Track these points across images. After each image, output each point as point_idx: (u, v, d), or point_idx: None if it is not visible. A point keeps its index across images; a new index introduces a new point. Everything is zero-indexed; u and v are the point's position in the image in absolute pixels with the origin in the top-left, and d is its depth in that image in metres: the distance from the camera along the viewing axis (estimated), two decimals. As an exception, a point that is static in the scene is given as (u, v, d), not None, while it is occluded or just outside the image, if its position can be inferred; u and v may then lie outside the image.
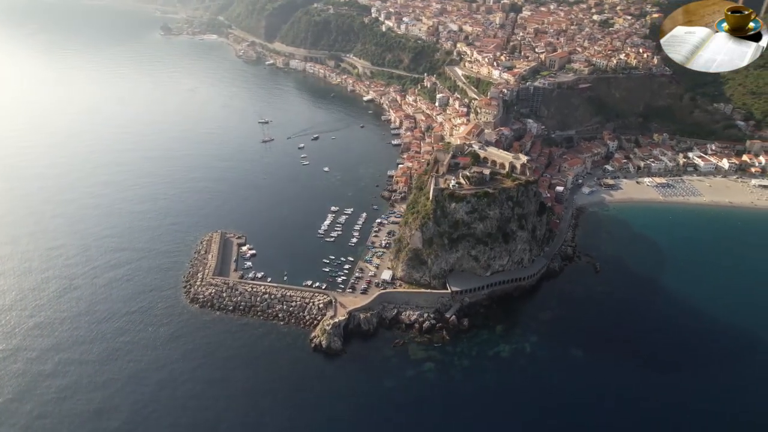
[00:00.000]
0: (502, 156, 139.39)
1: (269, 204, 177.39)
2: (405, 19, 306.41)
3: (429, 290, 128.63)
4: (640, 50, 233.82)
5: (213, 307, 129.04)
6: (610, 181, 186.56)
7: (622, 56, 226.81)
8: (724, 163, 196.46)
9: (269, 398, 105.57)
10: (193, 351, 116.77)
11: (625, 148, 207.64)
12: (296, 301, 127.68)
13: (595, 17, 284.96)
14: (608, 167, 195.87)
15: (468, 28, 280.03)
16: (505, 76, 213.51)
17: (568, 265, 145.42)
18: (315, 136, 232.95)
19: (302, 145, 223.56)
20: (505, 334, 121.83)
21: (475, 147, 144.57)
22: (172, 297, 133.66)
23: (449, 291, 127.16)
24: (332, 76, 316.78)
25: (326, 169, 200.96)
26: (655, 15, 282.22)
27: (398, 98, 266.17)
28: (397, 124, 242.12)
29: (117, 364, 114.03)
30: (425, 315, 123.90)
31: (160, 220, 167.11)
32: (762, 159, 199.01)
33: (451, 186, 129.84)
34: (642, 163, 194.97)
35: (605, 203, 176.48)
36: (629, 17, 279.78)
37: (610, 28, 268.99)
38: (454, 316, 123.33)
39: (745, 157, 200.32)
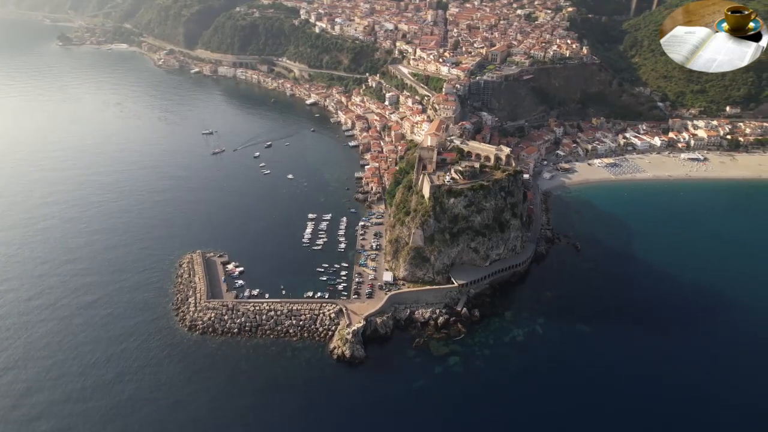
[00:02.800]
0: (485, 149, 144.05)
1: (242, 217, 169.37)
2: (338, 19, 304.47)
3: (436, 286, 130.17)
4: (569, 41, 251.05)
5: (216, 332, 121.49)
6: (566, 165, 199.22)
7: (555, 48, 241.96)
8: (656, 141, 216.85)
9: (306, 417, 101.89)
10: (207, 379, 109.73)
11: (570, 134, 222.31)
12: (305, 314, 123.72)
13: (519, 12, 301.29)
14: (560, 152, 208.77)
15: (404, 27, 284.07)
16: (455, 71, 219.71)
17: (552, 247, 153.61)
18: (268, 143, 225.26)
19: (257, 153, 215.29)
20: (515, 320, 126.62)
21: (457, 142, 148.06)
22: (165, 326, 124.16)
23: (456, 285, 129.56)
24: (267, 81, 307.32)
25: (290, 176, 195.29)
26: (570, 9, 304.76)
27: (343, 99, 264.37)
28: (349, 125, 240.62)
29: (116, 400, 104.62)
30: (437, 311, 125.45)
31: (126, 244, 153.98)
32: (685, 135, 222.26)
33: (446, 182, 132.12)
34: (589, 146, 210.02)
35: (566, 186, 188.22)
36: (549, 11, 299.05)
37: (536, 22, 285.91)
38: (465, 309, 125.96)
39: (671, 134, 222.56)
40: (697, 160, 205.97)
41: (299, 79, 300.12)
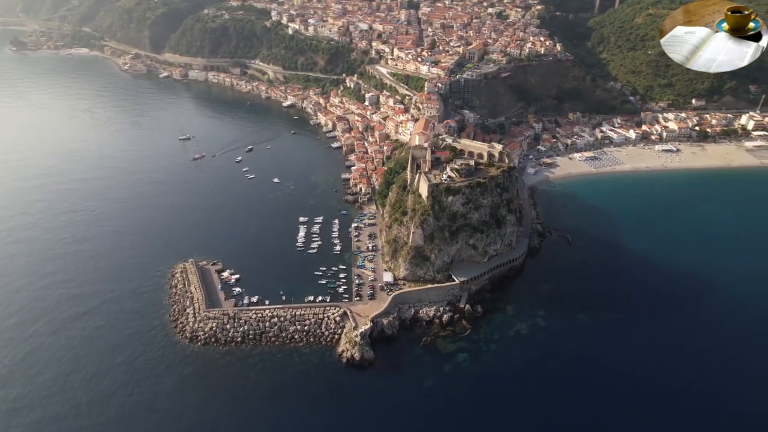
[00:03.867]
0: (478, 146, 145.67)
1: (231, 223, 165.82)
2: (311, 20, 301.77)
3: (438, 284, 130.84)
4: (542, 38, 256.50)
5: (218, 342, 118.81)
6: (548, 160, 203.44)
7: (529, 45, 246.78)
8: (631, 134, 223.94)
9: (319, 422, 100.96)
10: (213, 389, 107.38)
11: (549, 129, 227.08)
12: (309, 319, 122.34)
13: (490, 10, 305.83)
14: (541, 148, 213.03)
15: (378, 27, 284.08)
16: (435, 70, 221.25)
17: (544, 241, 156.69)
18: (249, 147, 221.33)
19: (239, 158, 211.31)
20: (517, 314, 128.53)
21: (449, 140, 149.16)
22: (164, 338, 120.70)
23: (457, 282, 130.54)
24: (241, 84, 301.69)
25: (276, 180, 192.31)
26: (538, 7, 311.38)
27: (321, 101, 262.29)
28: (330, 127, 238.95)
29: (120, 414, 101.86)
30: (441, 309, 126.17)
31: (113, 254, 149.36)
32: (657, 127, 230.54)
33: (443, 180, 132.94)
34: (569, 141, 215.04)
35: (550, 180, 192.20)
36: (519, 9, 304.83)
37: (508, 20, 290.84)
38: (468, 305, 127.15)
39: (644, 127, 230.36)
40: (671, 151, 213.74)
41: (274, 81, 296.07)
